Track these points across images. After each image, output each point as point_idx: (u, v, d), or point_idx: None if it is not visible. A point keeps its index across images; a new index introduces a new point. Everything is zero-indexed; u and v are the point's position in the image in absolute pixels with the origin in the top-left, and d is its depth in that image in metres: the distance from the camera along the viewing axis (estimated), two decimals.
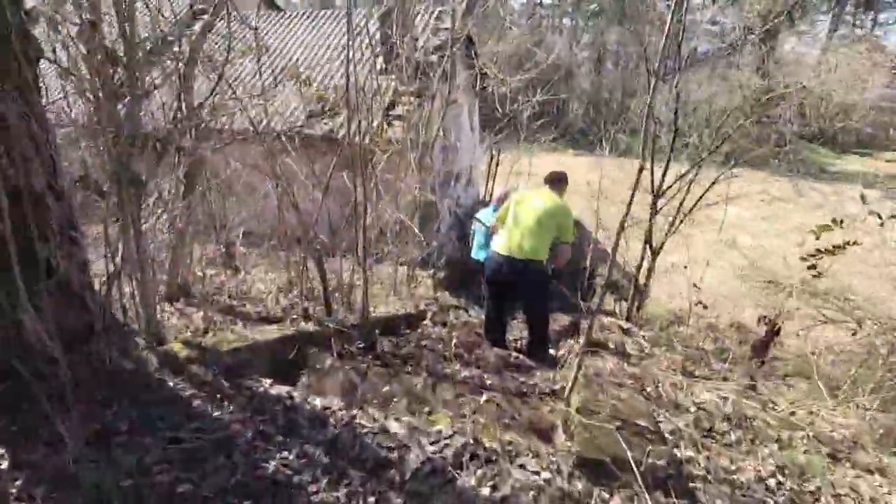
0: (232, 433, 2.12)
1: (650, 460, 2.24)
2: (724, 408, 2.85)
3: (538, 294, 4.33)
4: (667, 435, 2.58)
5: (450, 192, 9.49)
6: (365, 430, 2.31)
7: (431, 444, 2.28)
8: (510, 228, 4.23)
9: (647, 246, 6.73)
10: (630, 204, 2.47)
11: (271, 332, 3.21)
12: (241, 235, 5.68)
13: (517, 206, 4.24)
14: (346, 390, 2.86)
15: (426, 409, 2.76)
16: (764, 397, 3.47)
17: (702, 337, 6.96)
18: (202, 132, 3.67)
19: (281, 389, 2.54)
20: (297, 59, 9.24)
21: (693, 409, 2.97)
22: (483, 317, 4.83)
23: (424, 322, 5.17)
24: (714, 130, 6.10)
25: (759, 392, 3.64)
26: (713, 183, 5.99)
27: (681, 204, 6.44)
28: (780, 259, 9.55)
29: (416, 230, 5.38)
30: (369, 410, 2.48)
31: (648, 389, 3.36)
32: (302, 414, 2.37)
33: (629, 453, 2.21)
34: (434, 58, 7.85)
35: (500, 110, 7.84)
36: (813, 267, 3.37)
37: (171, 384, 2.38)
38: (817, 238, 3.41)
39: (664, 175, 6.25)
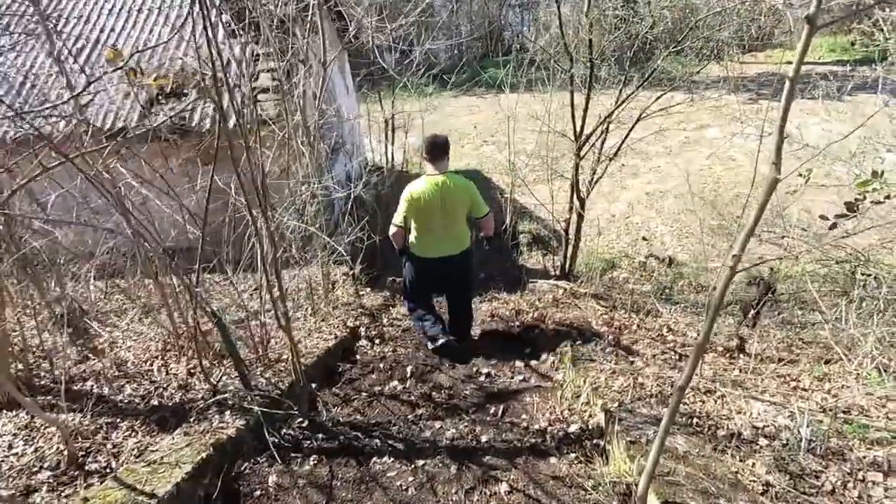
0: None
1: None
2: (800, 430, 2.28)
3: (471, 279, 4.24)
4: (760, 498, 1.95)
5: (337, 164, 8.37)
6: None
7: None
8: (427, 236, 3.80)
9: (574, 195, 6.21)
10: None
11: (176, 455, 2.18)
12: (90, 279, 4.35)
13: (420, 212, 3.67)
14: None
15: None
16: (801, 381, 2.97)
17: (636, 279, 6.69)
18: None
19: None
20: (106, 33, 7.38)
21: (759, 438, 2.32)
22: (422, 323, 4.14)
23: (360, 343, 4.28)
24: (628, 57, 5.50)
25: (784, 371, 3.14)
26: (639, 118, 5.45)
27: (602, 144, 5.91)
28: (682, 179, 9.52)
29: (324, 234, 4.39)
30: None
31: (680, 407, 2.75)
32: None
33: None
34: (291, 8, 6.53)
35: (384, 66, 6.74)
36: (834, 227, 2.92)
37: None
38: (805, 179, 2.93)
39: (585, 116, 5.64)
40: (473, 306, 4.56)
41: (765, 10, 5.06)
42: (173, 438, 2.38)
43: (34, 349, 3.66)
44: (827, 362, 3.19)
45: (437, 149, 3.62)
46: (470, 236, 3.96)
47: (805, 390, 2.78)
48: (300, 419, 2.71)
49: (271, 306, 4.50)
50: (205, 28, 2.05)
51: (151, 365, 3.61)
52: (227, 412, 2.61)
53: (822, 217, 3.04)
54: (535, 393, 3.09)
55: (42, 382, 3.42)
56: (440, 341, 3.86)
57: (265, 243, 2.89)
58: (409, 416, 2.83)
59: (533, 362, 3.69)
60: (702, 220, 6.69)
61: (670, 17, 5.08)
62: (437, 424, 2.71)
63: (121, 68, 2.74)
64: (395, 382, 3.34)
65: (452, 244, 3.82)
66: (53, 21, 6.75)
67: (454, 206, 3.64)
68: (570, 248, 6.57)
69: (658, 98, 5.42)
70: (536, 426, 2.70)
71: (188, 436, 2.38)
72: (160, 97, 6.01)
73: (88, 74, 5.96)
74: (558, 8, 4.86)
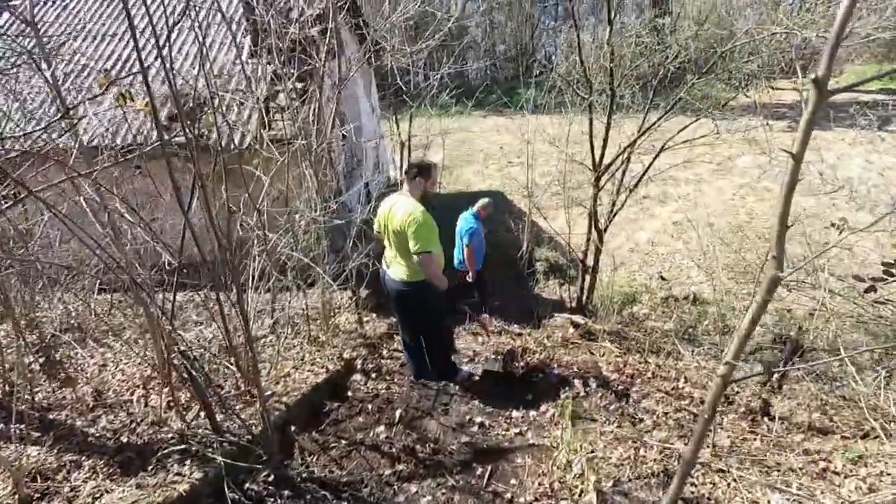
0: None
1: None
2: None
3: (426, 319, 3.79)
4: None
5: (354, 184, 8.27)
6: None
7: None
8: (386, 247, 3.83)
9: (593, 225, 5.95)
10: None
11: None
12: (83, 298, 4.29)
13: (382, 224, 3.72)
14: None
15: None
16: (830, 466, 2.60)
17: (658, 315, 6.35)
18: None
19: None
20: (111, 53, 7.48)
21: None
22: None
23: (354, 378, 4.08)
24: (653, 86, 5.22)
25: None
26: (660, 150, 5.18)
27: (623, 175, 5.65)
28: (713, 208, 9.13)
29: (322, 266, 4.23)
30: None
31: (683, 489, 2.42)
32: None
33: None
34: (315, 31, 6.49)
35: (402, 86, 6.62)
36: (871, 290, 2.61)
37: None
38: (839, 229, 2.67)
39: (604, 146, 5.40)
40: (479, 338, 4.32)
41: (797, 42, 4.71)
42: (123, 491, 2.21)
43: (25, 370, 3.58)
44: (865, 436, 2.79)
45: (411, 170, 3.67)
46: (417, 271, 3.51)
47: (836, 474, 2.40)
48: (266, 472, 2.51)
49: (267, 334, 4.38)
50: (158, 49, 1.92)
51: (133, 394, 3.48)
52: (189, 460, 2.43)
53: (857, 278, 2.73)
54: (528, 454, 2.82)
55: (22, 408, 3.31)
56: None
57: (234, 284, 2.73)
58: (387, 473, 2.61)
59: (532, 413, 3.43)
60: (722, 266, 6.29)
61: (693, 47, 4.80)
62: (413, 488, 2.48)
63: (102, 94, 2.65)
64: (381, 428, 3.13)
65: (393, 269, 3.71)
66: (56, 43, 6.90)
67: (391, 228, 3.56)
68: (588, 281, 6.30)
69: (682, 130, 5.15)
70: (522, 500, 2.43)
71: (139, 489, 2.21)
72: (170, 117, 6.00)
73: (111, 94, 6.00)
74: (577, 37, 4.64)
